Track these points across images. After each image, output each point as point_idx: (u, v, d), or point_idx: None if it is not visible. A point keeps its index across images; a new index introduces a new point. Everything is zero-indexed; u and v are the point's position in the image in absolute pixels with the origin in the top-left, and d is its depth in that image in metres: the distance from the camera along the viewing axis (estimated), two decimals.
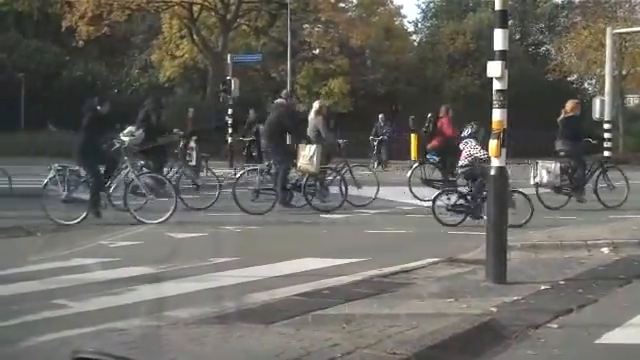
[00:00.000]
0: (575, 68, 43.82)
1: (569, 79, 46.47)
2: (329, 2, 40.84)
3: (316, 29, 43.11)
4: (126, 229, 12.42)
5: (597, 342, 6.23)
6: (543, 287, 8.07)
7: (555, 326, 6.67)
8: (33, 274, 8.72)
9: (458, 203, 13.17)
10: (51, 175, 13.46)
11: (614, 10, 42.72)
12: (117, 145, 13.85)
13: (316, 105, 16.77)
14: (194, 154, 16.73)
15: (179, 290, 8.04)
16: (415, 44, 48.99)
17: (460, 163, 13.38)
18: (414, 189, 16.92)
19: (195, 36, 39.26)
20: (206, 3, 38.47)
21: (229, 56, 33.88)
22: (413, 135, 30.35)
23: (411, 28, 50.89)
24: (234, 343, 5.62)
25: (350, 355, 5.30)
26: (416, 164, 17.59)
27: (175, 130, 16.79)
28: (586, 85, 48.97)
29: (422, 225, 13.34)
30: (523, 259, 9.75)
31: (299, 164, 15.26)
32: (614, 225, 12.42)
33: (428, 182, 16.90)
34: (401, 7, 61.21)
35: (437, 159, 17.21)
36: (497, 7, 8.28)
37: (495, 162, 8.38)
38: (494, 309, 6.99)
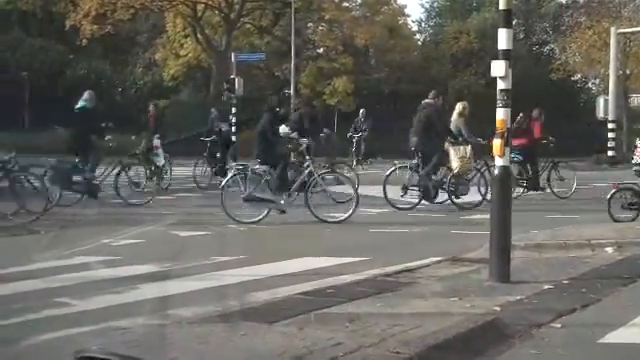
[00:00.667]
0: (579, 67, 43.75)
1: (573, 78, 46.37)
2: (333, 1, 40.86)
3: (320, 28, 43.13)
4: (129, 227, 12.42)
5: (600, 342, 6.22)
6: (546, 286, 8.06)
7: (558, 325, 6.66)
8: (36, 272, 8.73)
9: (633, 201, 13.41)
10: (231, 174, 13.60)
11: (618, 10, 42.62)
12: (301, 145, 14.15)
13: (459, 107, 16.99)
14: (160, 153, 16.66)
15: (182, 289, 8.04)
16: (419, 43, 48.95)
17: (635, 160, 13.61)
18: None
19: (199, 35, 39.28)
20: (210, 2, 38.48)
21: (233, 55, 33.89)
22: None
23: (415, 27, 50.91)
24: (237, 342, 5.62)
25: (353, 354, 5.30)
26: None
27: (325, 130, 16.97)
28: (590, 85, 48.91)
29: (425, 224, 13.33)
30: (527, 258, 9.74)
31: (456, 165, 15.67)
32: (618, 224, 12.42)
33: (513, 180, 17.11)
34: (405, 6, 60.76)
35: (521, 158, 17.44)
36: (501, 6, 8.27)
37: (499, 161, 8.37)
38: (497, 308, 6.98)
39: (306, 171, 13.97)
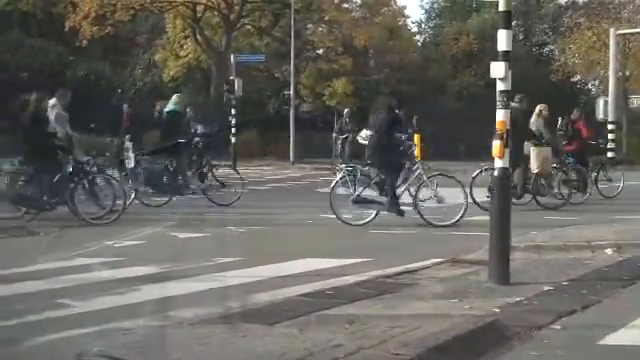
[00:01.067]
0: (579, 69, 43.75)
1: (573, 80, 46.37)
2: (333, 2, 40.82)
3: (320, 29, 43.08)
4: (130, 229, 12.43)
5: (600, 343, 6.24)
6: (546, 288, 8.07)
7: (558, 327, 6.68)
8: (37, 274, 8.74)
9: None
10: (341, 175, 13.59)
11: (618, 11, 42.62)
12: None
13: (538, 108, 17.17)
14: (131, 155, 16.73)
15: (183, 290, 8.06)
16: (419, 44, 48.93)
17: None
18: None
19: (199, 36, 39.27)
20: (210, 3, 38.45)
21: (232, 56, 33.91)
22: (416, 135, 30.23)
23: (415, 28, 50.83)
24: (238, 343, 5.63)
25: (353, 356, 5.32)
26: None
27: (410, 133, 16.89)
28: (590, 86, 48.89)
29: (426, 226, 13.33)
30: (526, 260, 9.75)
31: (536, 165, 15.96)
32: (618, 226, 12.44)
33: (567, 182, 17.28)
34: (405, 7, 60.80)
35: (574, 160, 17.64)
36: (501, 8, 8.29)
37: (498, 163, 8.39)
38: (497, 310, 7.00)
39: (415, 173, 13.82)
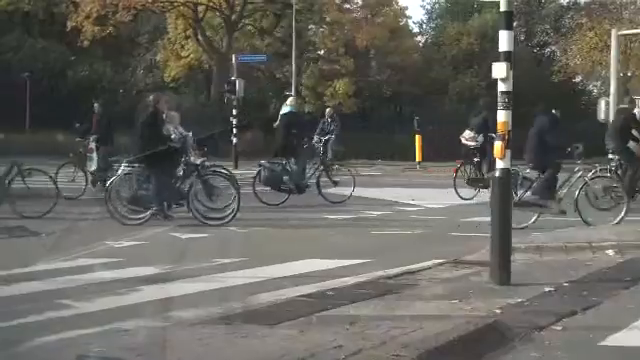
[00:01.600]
0: (580, 69, 43.73)
1: (574, 80, 46.37)
2: (334, 3, 40.87)
3: (321, 30, 43.14)
4: (131, 229, 12.43)
5: (601, 344, 6.24)
6: (547, 289, 8.07)
7: (559, 328, 6.68)
8: (38, 274, 8.74)
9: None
10: None
11: (619, 12, 42.59)
12: None
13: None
14: (94, 156, 16.51)
15: (184, 291, 8.05)
16: (420, 45, 48.92)
17: None
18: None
19: (200, 36, 39.31)
20: (211, 3, 38.52)
21: (234, 56, 33.93)
22: (417, 136, 30.29)
23: (416, 29, 50.85)
24: (238, 344, 5.64)
25: (354, 356, 5.32)
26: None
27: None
28: (591, 87, 48.87)
29: (427, 226, 13.34)
30: (527, 261, 9.75)
31: None
32: (619, 227, 12.43)
33: None
34: (406, 8, 60.51)
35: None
36: (502, 8, 8.29)
37: (500, 164, 8.39)
38: (498, 311, 7.00)
39: (576, 175, 13.73)
